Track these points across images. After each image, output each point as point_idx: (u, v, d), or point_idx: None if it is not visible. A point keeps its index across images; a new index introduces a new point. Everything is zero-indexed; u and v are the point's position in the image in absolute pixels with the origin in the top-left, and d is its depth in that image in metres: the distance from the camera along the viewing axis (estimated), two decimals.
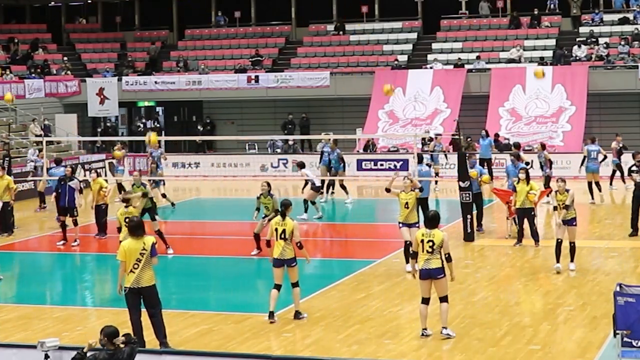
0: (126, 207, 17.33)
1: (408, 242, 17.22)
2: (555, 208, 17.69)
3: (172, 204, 26.69)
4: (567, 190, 17.43)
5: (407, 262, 17.61)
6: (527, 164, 22.61)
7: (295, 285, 14.32)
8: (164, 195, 26.76)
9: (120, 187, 27.09)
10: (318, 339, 13.39)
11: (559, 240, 17.43)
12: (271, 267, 14.42)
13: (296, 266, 14.28)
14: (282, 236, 14.23)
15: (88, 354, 9.80)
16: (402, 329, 13.78)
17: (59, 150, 35.20)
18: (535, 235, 19.79)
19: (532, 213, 19.73)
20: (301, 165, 25.28)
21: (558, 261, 17.42)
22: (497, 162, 31.68)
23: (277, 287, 14.30)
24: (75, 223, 21.57)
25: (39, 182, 27.76)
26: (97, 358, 9.65)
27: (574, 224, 17.40)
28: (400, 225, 17.33)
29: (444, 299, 13.16)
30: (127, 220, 15.66)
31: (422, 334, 13.27)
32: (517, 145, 25.62)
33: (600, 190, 25.84)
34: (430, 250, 13.07)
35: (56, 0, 47.34)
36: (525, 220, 19.72)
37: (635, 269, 17.81)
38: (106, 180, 23.03)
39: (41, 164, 28.65)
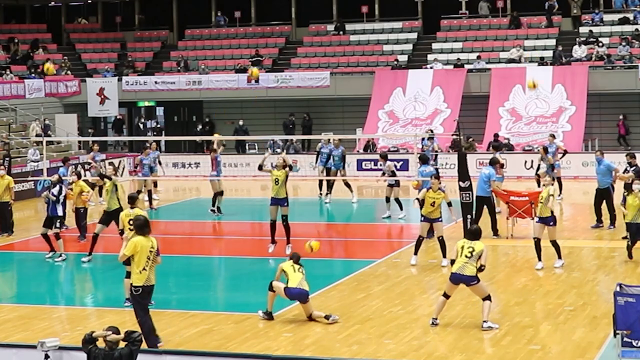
0: (132, 208, 15.95)
1: (422, 238, 18.25)
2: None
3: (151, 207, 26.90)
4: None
5: (415, 253, 18.17)
6: (502, 166, 22.87)
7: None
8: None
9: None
10: (318, 339, 13.39)
11: (536, 239, 17.47)
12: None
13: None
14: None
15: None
16: (402, 329, 13.77)
17: (59, 150, 35.19)
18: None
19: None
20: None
21: (540, 259, 17.52)
22: None
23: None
24: None
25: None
26: (96, 355, 9.65)
27: (551, 223, 17.32)
28: (422, 219, 18.20)
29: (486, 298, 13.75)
30: (130, 222, 15.52)
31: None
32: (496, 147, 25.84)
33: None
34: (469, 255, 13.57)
35: (56, 0, 47.33)
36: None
37: (635, 269, 17.81)
38: (86, 181, 22.41)
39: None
